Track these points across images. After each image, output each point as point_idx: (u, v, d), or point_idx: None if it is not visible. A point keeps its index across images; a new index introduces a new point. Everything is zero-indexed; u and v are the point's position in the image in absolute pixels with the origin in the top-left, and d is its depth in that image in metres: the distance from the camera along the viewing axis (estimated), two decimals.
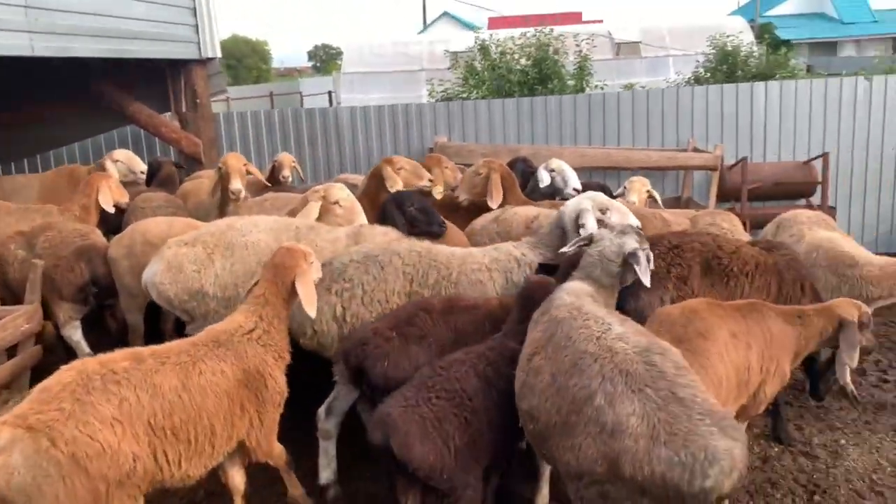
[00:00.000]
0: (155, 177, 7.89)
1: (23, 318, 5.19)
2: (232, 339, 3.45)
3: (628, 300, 4.07)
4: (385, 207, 5.21)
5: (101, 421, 2.87)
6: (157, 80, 9.02)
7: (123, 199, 6.42)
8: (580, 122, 9.72)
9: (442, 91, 14.03)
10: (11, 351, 5.22)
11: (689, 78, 16.64)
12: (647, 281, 3.62)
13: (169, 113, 9.32)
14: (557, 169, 6.06)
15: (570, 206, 4.52)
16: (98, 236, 5.66)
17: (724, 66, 15.60)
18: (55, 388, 2.90)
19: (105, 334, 5.98)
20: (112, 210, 6.26)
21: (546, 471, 3.91)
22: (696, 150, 9.23)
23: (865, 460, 4.58)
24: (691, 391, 2.81)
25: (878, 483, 4.34)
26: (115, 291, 5.40)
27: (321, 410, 4.14)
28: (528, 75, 11.92)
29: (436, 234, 5.05)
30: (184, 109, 8.95)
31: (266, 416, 3.53)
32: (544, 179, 6.00)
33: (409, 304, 4.04)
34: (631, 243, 3.66)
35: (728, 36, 16.34)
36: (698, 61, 16.55)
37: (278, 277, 3.64)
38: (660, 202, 6.91)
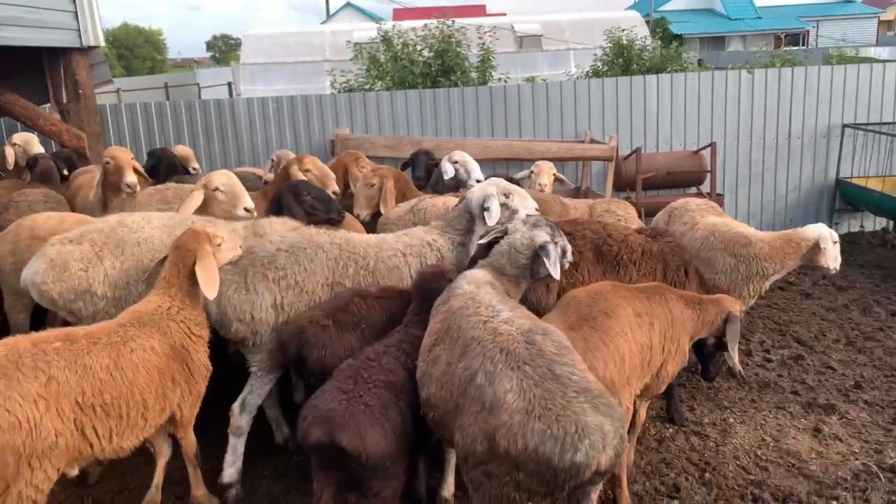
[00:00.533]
0: (32, 173, 7.35)
1: None
2: (153, 317, 3.62)
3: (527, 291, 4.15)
4: (281, 197, 5.12)
5: (24, 397, 2.96)
6: (34, 69, 8.43)
7: None
8: (483, 114, 9.79)
9: (344, 83, 13.83)
10: None
11: (588, 71, 17.10)
12: (556, 274, 3.71)
13: (48, 105, 8.72)
14: (461, 161, 6.08)
15: (476, 192, 4.63)
16: None
17: (621, 60, 16.13)
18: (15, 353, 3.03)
19: None
20: None
21: (452, 459, 3.92)
22: (593, 141, 9.48)
23: (751, 437, 4.85)
24: (569, 369, 2.90)
25: (762, 458, 4.59)
26: None
27: (235, 406, 4.15)
28: (431, 67, 11.92)
29: (335, 222, 5.06)
30: (65, 100, 8.40)
31: (194, 387, 3.73)
32: (448, 171, 6.00)
33: (345, 290, 4.10)
34: (542, 236, 3.75)
35: (623, 30, 16.89)
36: (596, 55, 17.03)
37: (180, 259, 3.78)
38: (569, 185, 7.07)
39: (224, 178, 5.01)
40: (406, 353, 3.52)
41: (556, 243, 3.79)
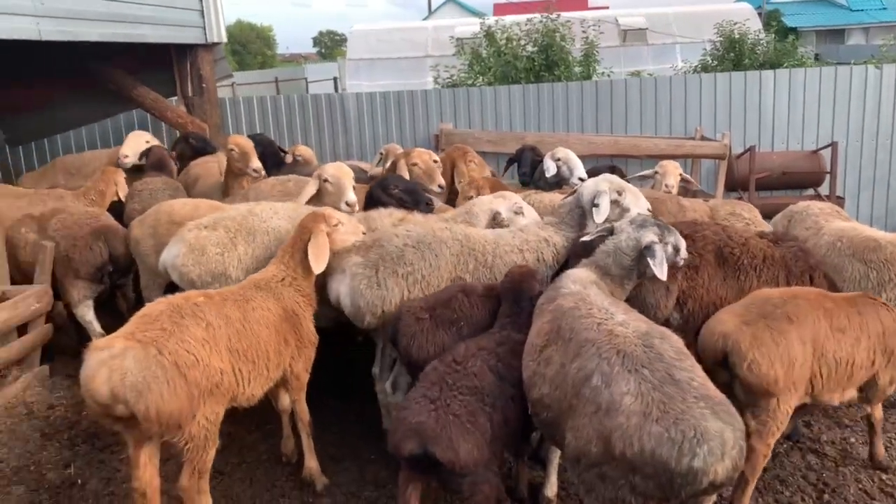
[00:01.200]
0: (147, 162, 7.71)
1: (33, 297, 5.24)
2: (269, 284, 3.97)
3: (640, 290, 4.09)
4: (372, 193, 5.30)
5: (195, 339, 3.34)
6: (163, 64, 9.00)
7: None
8: (587, 109, 9.68)
9: (448, 78, 13.97)
10: (22, 329, 5.29)
11: (696, 66, 16.54)
12: (661, 275, 3.63)
13: (175, 98, 9.29)
14: (563, 158, 6.03)
15: (587, 187, 4.59)
16: (109, 218, 5.69)
17: (732, 54, 15.50)
18: (153, 314, 3.37)
19: (111, 315, 6.01)
20: (124, 199, 6.46)
21: (555, 459, 3.93)
22: (703, 138, 9.19)
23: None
24: (688, 374, 2.83)
25: (887, 484, 4.24)
26: (129, 271, 5.49)
27: (388, 386, 4.50)
28: (535, 62, 11.86)
29: (424, 212, 5.20)
30: (190, 94, 8.92)
31: (303, 350, 4.04)
32: (550, 169, 5.96)
33: (454, 285, 4.15)
34: (648, 237, 3.67)
35: (735, 23, 16.22)
36: (705, 49, 16.44)
37: (299, 235, 4.14)
38: (695, 186, 6.86)
39: (333, 170, 5.19)
40: (498, 356, 3.48)
41: (664, 243, 3.71)
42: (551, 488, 3.99)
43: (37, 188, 7.00)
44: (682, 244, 3.86)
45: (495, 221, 4.92)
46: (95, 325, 5.45)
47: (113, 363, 3.07)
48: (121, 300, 5.87)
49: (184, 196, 6.48)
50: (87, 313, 5.45)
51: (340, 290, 4.26)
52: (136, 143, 7.53)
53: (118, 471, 4.39)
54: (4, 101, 8.61)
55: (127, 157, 7.40)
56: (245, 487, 4.25)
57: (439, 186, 5.99)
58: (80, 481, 4.28)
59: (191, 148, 7.79)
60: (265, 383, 3.81)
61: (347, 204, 5.09)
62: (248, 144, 6.02)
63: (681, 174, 6.53)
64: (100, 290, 5.48)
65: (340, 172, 5.12)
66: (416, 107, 9.95)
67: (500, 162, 9.27)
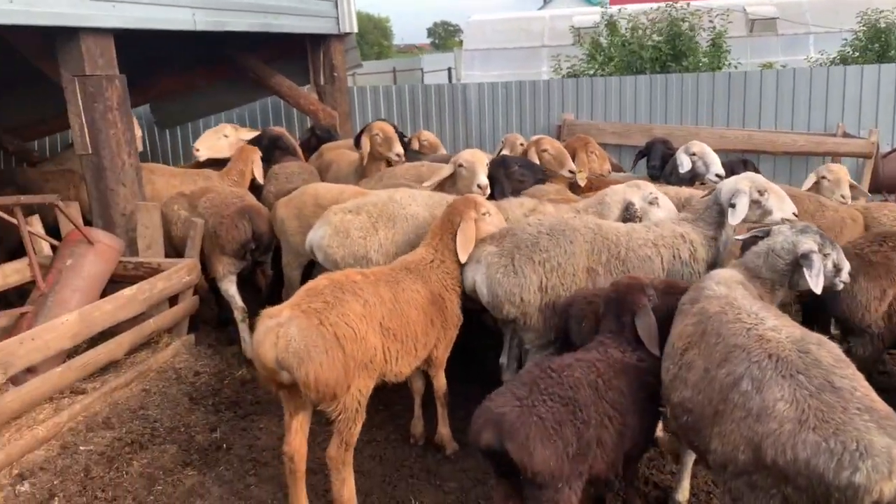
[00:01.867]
0: (273, 147, 7.77)
1: (184, 270, 5.63)
2: (418, 267, 4.12)
3: (836, 300, 3.90)
4: (492, 173, 5.40)
5: (353, 314, 3.51)
6: (297, 54, 9.40)
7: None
8: (718, 101, 9.31)
9: (569, 67, 13.79)
10: (173, 300, 5.71)
11: (834, 57, 15.49)
12: (816, 287, 3.41)
13: (308, 86, 9.68)
14: (699, 152, 5.80)
15: (727, 185, 4.41)
16: (252, 199, 6.02)
17: (876, 45, 14.40)
18: (317, 288, 3.57)
19: (251, 290, 6.37)
20: (261, 180, 6.80)
21: (689, 463, 3.83)
22: (846, 135, 8.63)
23: None
24: (850, 383, 2.65)
25: None
26: (270, 249, 5.84)
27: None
28: (662, 52, 11.49)
29: (541, 182, 5.59)
30: (322, 82, 9.29)
31: (448, 332, 4.20)
32: (684, 164, 5.76)
33: (628, 276, 3.99)
34: (807, 244, 3.47)
35: (881, 12, 15.05)
36: (845, 39, 15.37)
37: (449, 219, 4.29)
38: (865, 195, 6.37)
39: (468, 156, 5.30)
40: (598, 372, 3.25)
41: (824, 255, 3.51)
42: (683, 493, 3.89)
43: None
44: (846, 265, 3.60)
45: (628, 212, 4.84)
46: (237, 299, 5.79)
47: (279, 330, 3.28)
48: (260, 276, 6.21)
49: (317, 180, 6.77)
50: (230, 287, 5.80)
51: (476, 279, 4.31)
52: (212, 138, 7.75)
53: (258, 438, 4.66)
54: (155, 87, 9.28)
55: (198, 150, 7.61)
56: (375, 465, 4.40)
57: (570, 171, 6.07)
58: (225, 445, 4.58)
59: (316, 139, 8.24)
60: (412, 362, 3.98)
61: (479, 186, 5.17)
62: (391, 130, 6.30)
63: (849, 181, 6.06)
64: (242, 266, 5.82)
65: (475, 157, 5.22)
66: (537, 97, 9.90)
67: (624, 155, 9.12)
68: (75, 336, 4.64)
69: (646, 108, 9.56)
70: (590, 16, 20.23)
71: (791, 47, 21.12)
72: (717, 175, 5.65)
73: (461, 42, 25.92)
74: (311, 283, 3.67)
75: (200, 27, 6.65)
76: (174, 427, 4.79)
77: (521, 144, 7.00)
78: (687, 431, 3.17)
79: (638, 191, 4.93)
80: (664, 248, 4.32)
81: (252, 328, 3.87)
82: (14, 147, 9.65)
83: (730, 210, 4.25)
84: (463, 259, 4.17)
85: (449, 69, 28.13)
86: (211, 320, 6.61)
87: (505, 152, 7.02)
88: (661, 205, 4.89)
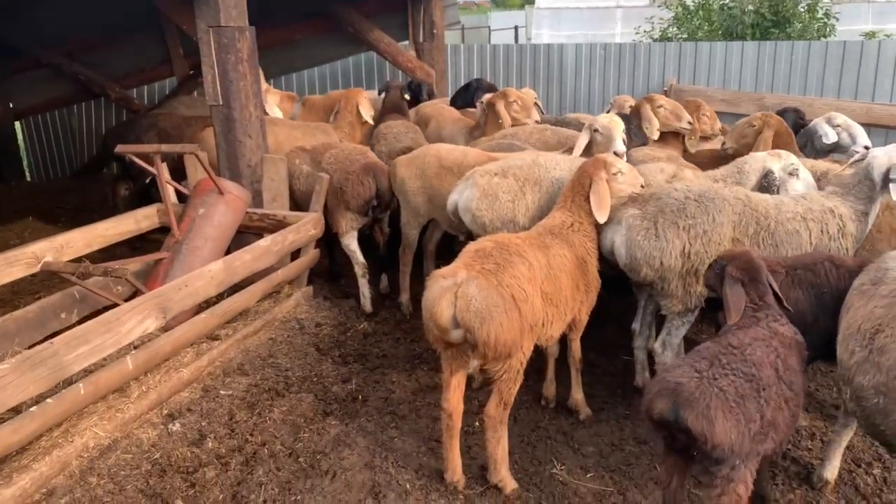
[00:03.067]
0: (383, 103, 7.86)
1: (310, 223, 5.71)
2: (561, 231, 4.09)
3: None
4: None
5: (522, 276, 3.50)
6: (395, 9, 9.31)
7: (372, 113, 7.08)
8: (830, 72, 8.94)
9: (650, 31, 13.39)
10: (295, 252, 5.81)
11: None
12: None
13: (406, 42, 9.60)
14: (843, 124, 5.63)
15: (880, 157, 4.26)
16: (373, 156, 6.03)
17: None
18: (485, 249, 3.56)
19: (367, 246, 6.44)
20: (372, 122, 6.91)
21: (844, 442, 3.78)
22: None
23: None
24: None
25: None
26: (389, 207, 5.86)
27: (657, 345, 4.45)
28: (765, 17, 11.04)
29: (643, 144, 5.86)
30: (421, 39, 9.20)
31: (590, 294, 4.16)
32: (829, 135, 5.58)
33: (815, 252, 3.98)
34: None
35: None
36: None
37: (579, 181, 4.25)
38: None
39: (605, 121, 5.23)
40: (777, 352, 3.13)
41: None
42: (832, 471, 3.85)
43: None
44: None
45: (766, 180, 4.71)
46: (359, 254, 5.87)
47: (458, 290, 3.29)
48: (378, 233, 6.26)
49: (423, 139, 6.79)
50: (352, 242, 5.88)
51: (616, 240, 4.28)
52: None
53: (392, 392, 4.75)
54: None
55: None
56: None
57: (688, 123, 6.07)
58: (360, 397, 4.68)
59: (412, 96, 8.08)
60: (562, 327, 4.00)
61: (616, 153, 5.10)
62: (530, 100, 6.48)
63: None
64: (364, 222, 5.87)
65: (612, 124, 5.14)
66: (637, 60, 9.66)
67: (734, 122, 8.84)
68: (220, 284, 4.77)
69: (751, 77, 9.25)
70: None
71: (882, 15, 20.07)
72: (865, 147, 5.46)
73: (521, 2, 25.32)
74: (476, 245, 3.67)
75: None
76: (306, 377, 4.90)
77: (630, 106, 6.88)
78: (873, 414, 3.12)
79: (779, 160, 4.80)
80: (812, 223, 4.22)
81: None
82: (116, 94, 9.86)
83: (891, 186, 4.11)
84: (601, 219, 4.14)
85: (515, 27, 27.57)
86: (322, 273, 6.72)
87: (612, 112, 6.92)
88: (801, 177, 4.75)
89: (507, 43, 11.11)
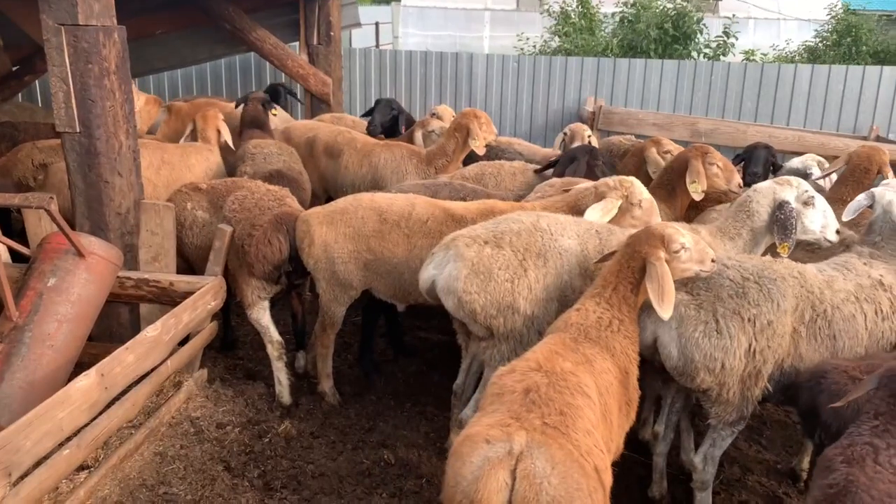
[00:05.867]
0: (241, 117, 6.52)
1: (209, 294, 4.28)
2: (599, 332, 3.00)
3: None
4: (576, 155, 5.09)
5: (592, 426, 2.49)
6: (284, 4, 7.87)
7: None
8: (748, 94, 8.66)
9: (539, 38, 12.82)
10: None
11: (800, 48, 15.29)
12: None
13: (295, 43, 8.18)
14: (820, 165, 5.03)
15: (888, 195, 3.77)
16: (294, 201, 4.62)
17: (848, 39, 14.22)
18: (537, 388, 2.47)
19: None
20: (232, 145, 5.95)
21: None
22: (879, 139, 8.17)
23: None
24: None
25: None
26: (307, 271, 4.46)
27: (697, 461, 3.52)
28: (668, 33, 10.68)
29: None
30: (315, 42, 7.81)
31: (631, 416, 3.07)
32: (815, 174, 4.97)
33: (886, 353, 3.27)
34: None
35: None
36: (816, 30, 15.20)
37: (626, 262, 3.18)
38: None
39: (648, 194, 4.18)
40: None
41: None
42: None
43: None
44: None
45: (781, 214, 3.92)
46: (272, 331, 4.51)
47: (519, 467, 2.20)
48: (295, 302, 4.92)
49: (299, 161, 5.85)
50: (262, 317, 4.50)
51: (662, 336, 3.31)
52: None
53: None
54: None
55: None
56: None
57: (738, 186, 4.90)
58: None
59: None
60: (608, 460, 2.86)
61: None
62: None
63: None
64: (276, 290, 4.53)
65: (651, 197, 4.14)
66: (553, 75, 8.88)
67: None
68: (94, 406, 3.26)
69: (670, 96, 8.76)
70: None
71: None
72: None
73: None
74: (521, 377, 2.54)
75: None
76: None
77: (589, 136, 6.01)
78: None
79: (791, 188, 4.02)
80: (866, 303, 3.51)
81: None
82: None
83: None
84: (665, 315, 3.04)
85: (376, 24, 26.13)
86: (213, 341, 5.23)
87: (566, 146, 6.00)
88: (817, 205, 4.03)
89: (410, 50, 9.95)
